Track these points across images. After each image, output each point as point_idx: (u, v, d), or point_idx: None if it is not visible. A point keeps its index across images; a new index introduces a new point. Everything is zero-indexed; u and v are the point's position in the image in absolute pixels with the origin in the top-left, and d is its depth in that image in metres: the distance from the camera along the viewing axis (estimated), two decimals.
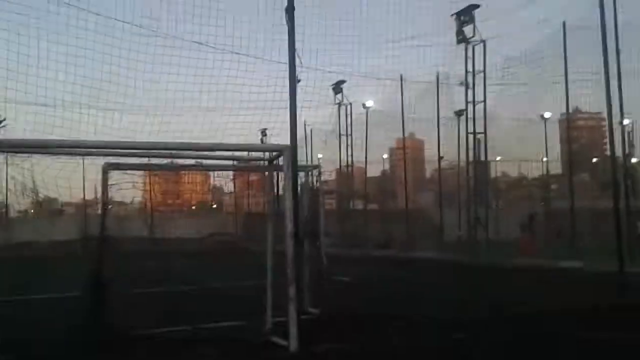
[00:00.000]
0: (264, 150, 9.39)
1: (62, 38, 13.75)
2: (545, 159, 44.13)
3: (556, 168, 46.01)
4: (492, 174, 39.31)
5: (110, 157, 9.67)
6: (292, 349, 8.19)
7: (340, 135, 35.12)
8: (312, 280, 11.34)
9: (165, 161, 10.53)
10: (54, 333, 9.07)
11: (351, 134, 35.47)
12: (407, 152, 60.86)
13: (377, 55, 22.53)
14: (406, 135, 46.38)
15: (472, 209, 28.89)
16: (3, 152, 7.89)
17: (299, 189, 10.20)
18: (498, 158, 41.69)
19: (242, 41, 13.65)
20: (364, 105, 38.05)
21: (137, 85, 14.25)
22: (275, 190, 11.00)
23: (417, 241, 34.32)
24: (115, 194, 12.86)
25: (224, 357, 8.04)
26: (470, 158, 30.55)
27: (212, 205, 75.02)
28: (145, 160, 10.00)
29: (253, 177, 53.41)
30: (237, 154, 9.80)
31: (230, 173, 35.70)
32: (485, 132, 28.45)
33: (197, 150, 8.81)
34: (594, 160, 55.85)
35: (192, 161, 10.71)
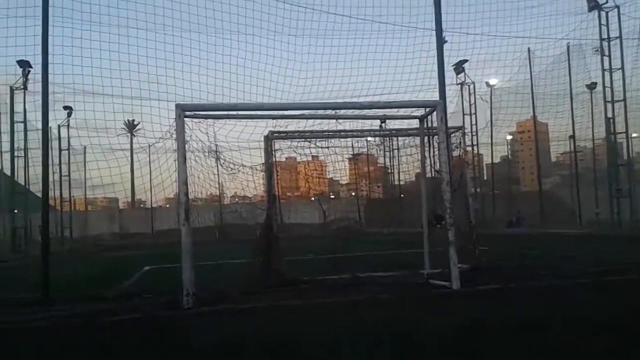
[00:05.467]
0: (417, 107, 10.01)
1: None
2: None
3: None
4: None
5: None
6: (455, 287, 8.77)
7: (463, 115, 34.51)
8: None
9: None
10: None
11: (475, 113, 34.58)
12: (529, 136, 58.92)
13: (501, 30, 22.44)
14: (529, 118, 44.84)
15: (612, 186, 27.36)
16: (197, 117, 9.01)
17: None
18: (634, 135, 38.91)
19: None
20: (487, 83, 37.12)
21: None
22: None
23: (551, 220, 33.27)
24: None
25: (396, 294, 8.70)
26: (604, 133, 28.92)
27: (330, 196, 76.72)
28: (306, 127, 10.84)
29: (371, 167, 54.41)
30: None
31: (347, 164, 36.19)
32: (625, 100, 26.80)
33: (357, 108, 9.64)
34: None
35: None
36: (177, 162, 8.38)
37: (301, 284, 9.94)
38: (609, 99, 26.92)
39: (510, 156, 66.59)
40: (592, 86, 34.89)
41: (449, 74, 31.89)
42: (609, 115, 27.24)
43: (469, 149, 39.07)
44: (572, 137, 38.25)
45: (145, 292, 9.48)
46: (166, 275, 12.01)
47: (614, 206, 27.16)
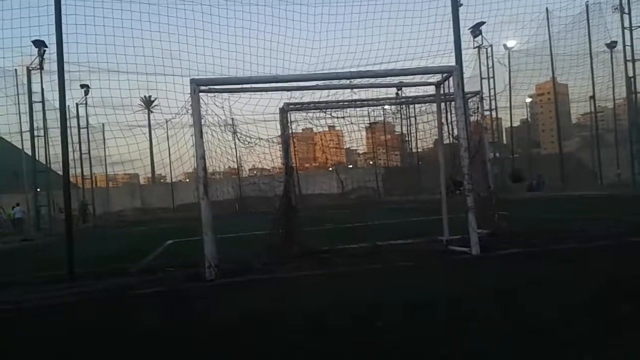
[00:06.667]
0: (432, 73, 9.88)
1: None
2: None
3: None
4: None
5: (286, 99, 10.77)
6: (474, 253, 8.78)
7: (481, 79, 33.90)
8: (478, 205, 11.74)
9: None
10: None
11: (493, 77, 33.90)
12: (549, 98, 57.92)
13: None
14: (548, 80, 43.98)
15: (634, 146, 26.93)
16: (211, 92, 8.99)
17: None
18: None
19: None
20: (505, 46, 36.39)
21: None
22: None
23: (572, 182, 32.94)
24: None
25: (416, 261, 8.72)
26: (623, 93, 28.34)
27: (348, 165, 76.80)
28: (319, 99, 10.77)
29: (388, 135, 54.07)
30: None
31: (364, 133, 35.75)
32: None
33: (372, 77, 9.55)
34: None
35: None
36: (194, 137, 8.41)
37: (321, 253, 10.02)
38: (630, 58, 26.30)
39: (529, 119, 65.76)
40: (612, 45, 34.12)
41: (466, 37, 31.25)
42: (630, 74, 26.67)
43: (487, 113, 38.53)
44: (593, 97, 37.58)
45: (168, 266, 9.65)
46: (188, 248, 12.19)
47: (636, 166, 26.76)
